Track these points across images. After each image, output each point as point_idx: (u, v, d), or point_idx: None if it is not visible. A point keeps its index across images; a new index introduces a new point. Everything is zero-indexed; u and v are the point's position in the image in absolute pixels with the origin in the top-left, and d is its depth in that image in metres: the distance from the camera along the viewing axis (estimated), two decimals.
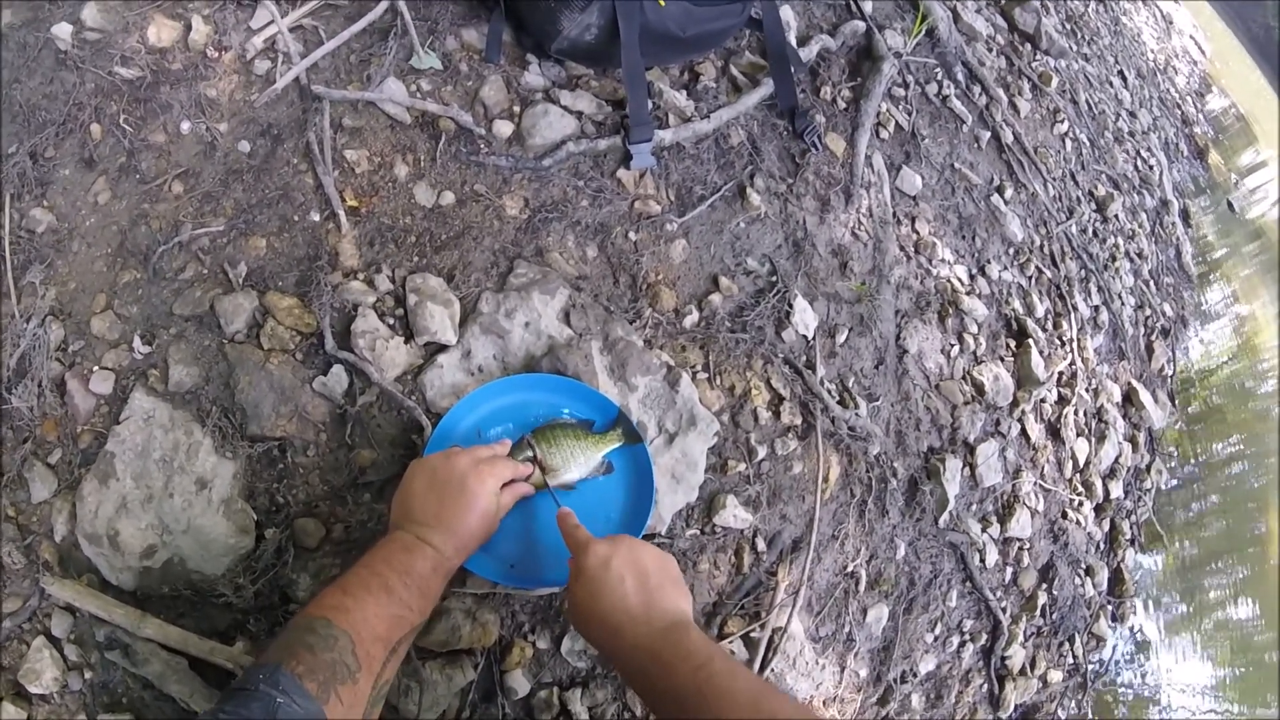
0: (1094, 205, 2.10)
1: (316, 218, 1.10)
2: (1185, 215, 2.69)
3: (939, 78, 1.76)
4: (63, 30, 1.14)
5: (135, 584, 0.94)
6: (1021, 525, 1.48)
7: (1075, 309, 1.79)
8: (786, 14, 1.50)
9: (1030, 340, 1.60)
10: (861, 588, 1.24)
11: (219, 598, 0.93)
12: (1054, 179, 1.95)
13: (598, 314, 1.13)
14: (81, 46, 1.14)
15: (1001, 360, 1.57)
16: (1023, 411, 1.54)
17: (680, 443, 1.09)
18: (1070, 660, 1.60)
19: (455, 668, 0.95)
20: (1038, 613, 1.52)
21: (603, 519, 0.99)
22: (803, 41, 1.52)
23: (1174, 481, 2.07)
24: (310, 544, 0.96)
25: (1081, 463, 1.67)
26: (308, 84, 1.16)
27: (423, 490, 0.85)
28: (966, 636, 1.41)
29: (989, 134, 1.80)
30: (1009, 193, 1.78)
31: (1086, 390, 1.74)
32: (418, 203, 1.15)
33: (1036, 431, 1.58)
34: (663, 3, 1.21)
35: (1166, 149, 2.85)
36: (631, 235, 1.23)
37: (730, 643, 1.08)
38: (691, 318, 1.21)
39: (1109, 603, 1.72)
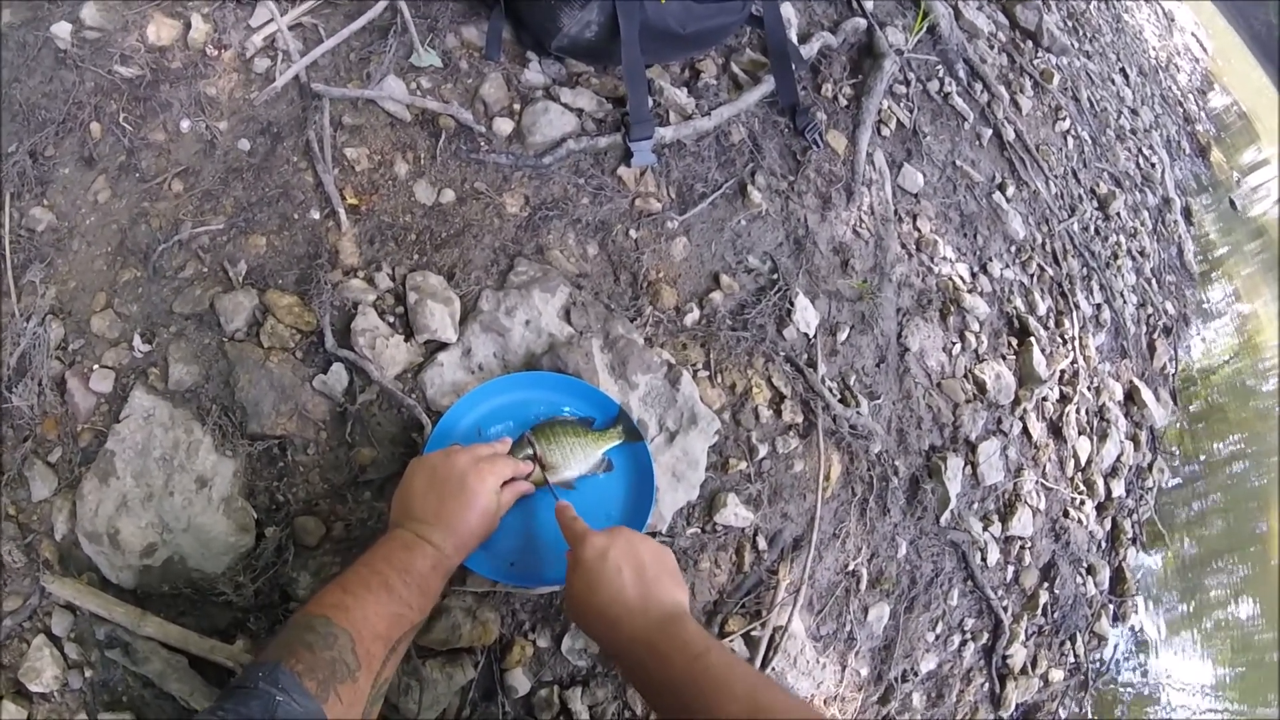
0: (1096, 203, 2.09)
1: (316, 216, 1.10)
2: (1187, 213, 2.69)
3: (940, 75, 1.76)
4: (62, 29, 1.14)
5: (135, 582, 0.94)
6: (1023, 524, 1.48)
7: (1077, 307, 1.78)
8: (787, 11, 1.50)
9: (1032, 338, 1.60)
10: (863, 586, 1.24)
11: (219, 596, 0.93)
12: (1056, 177, 1.95)
13: (598, 312, 1.13)
14: (81, 45, 1.14)
15: (1003, 358, 1.57)
16: (1024, 410, 1.54)
17: (681, 441, 1.09)
18: (1071, 659, 1.60)
19: (455, 666, 0.95)
20: (1039, 611, 1.51)
21: (603, 517, 0.99)
22: (804, 39, 1.52)
23: (1176, 480, 2.06)
24: (310, 542, 0.96)
25: (1083, 461, 1.67)
26: (307, 82, 1.15)
27: (423, 488, 0.85)
28: (968, 635, 1.40)
29: (990, 131, 1.80)
30: (1011, 190, 1.78)
31: (1088, 388, 1.74)
32: (418, 200, 1.15)
33: (1038, 430, 1.57)
34: (663, 0, 1.21)
35: (1168, 147, 2.84)
36: (632, 233, 1.22)
37: (731, 641, 1.08)
38: (692, 315, 1.20)
39: (1110, 602, 1.72)
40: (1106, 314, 1.89)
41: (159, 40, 1.15)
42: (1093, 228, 2.02)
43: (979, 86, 1.84)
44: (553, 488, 0.95)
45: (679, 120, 1.30)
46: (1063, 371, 1.67)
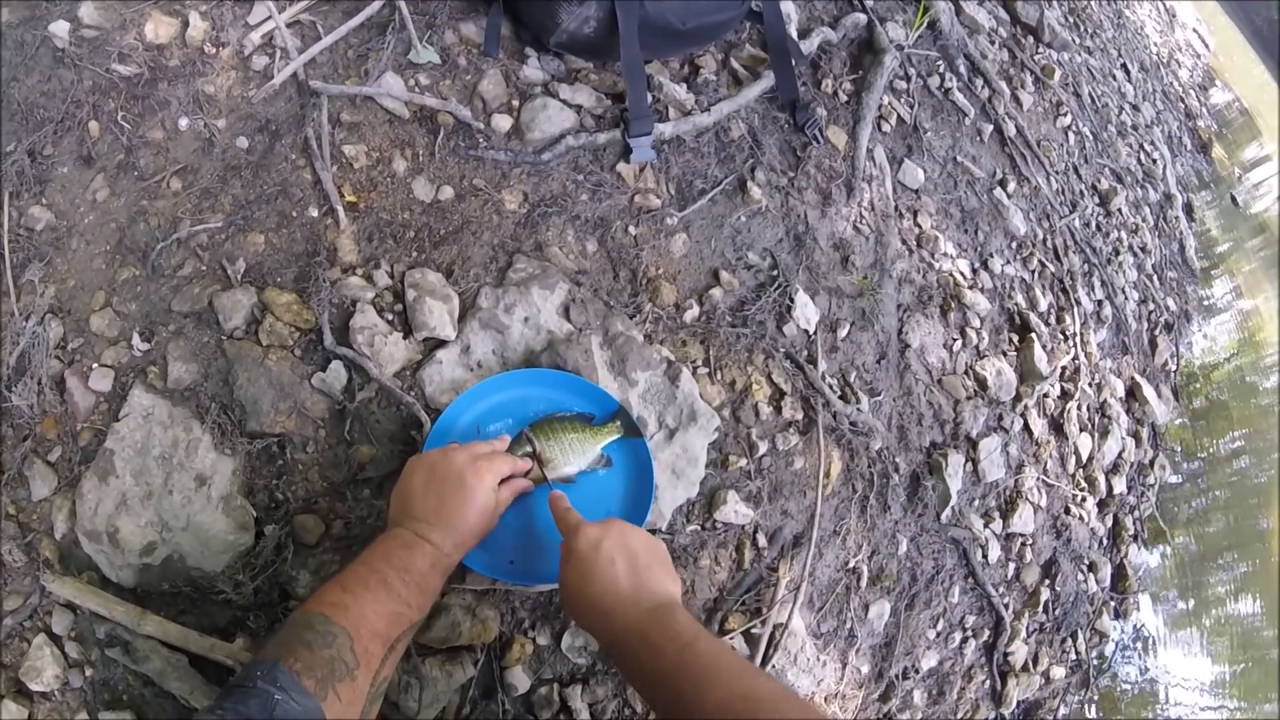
0: (1097, 199, 2.08)
1: (315, 213, 1.10)
2: (1189, 209, 2.68)
3: (941, 70, 1.75)
4: (60, 28, 1.14)
5: (135, 581, 0.94)
6: (1024, 521, 1.47)
7: (1078, 303, 1.78)
8: (787, 6, 1.49)
9: (1033, 335, 1.59)
10: (863, 584, 1.23)
11: (219, 594, 0.93)
12: (1057, 172, 1.94)
13: (597, 309, 1.13)
14: (79, 44, 1.14)
15: (1004, 355, 1.57)
16: (1025, 406, 1.54)
17: (681, 438, 1.09)
18: (1073, 656, 1.60)
19: (455, 664, 0.94)
20: (1040, 609, 1.51)
21: (603, 514, 0.98)
22: (803, 34, 1.51)
23: (1177, 477, 2.06)
24: (310, 540, 0.96)
25: (1084, 458, 1.67)
26: (305, 79, 1.15)
27: (421, 487, 0.85)
28: (969, 632, 1.40)
29: (991, 127, 1.79)
30: (1012, 186, 1.77)
31: (1089, 385, 1.73)
32: (416, 198, 1.14)
33: (1039, 426, 1.57)
34: None
35: (1170, 143, 2.83)
36: (631, 229, 1.22)
37: (731, 639, 1.08)
38: (692, 312, 1.20)
39: (1112, 599, 1.72)
40: (1108, 310, 1.88)
41: (157, 38, 1.15)
42: (1094, 224, 2.01)
43: (980, 82, 1.84)
44: (552, 484, 0.95)
45: (678, 116, 1.30)
46: (1064, 368, 1.67)
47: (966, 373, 1.48)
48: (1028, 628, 1.49)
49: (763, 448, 1.16)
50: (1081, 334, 1.74)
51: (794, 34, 1.47)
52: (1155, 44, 3.42)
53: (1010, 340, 1.60)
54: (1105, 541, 1.73)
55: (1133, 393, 1.89)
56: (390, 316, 1.06)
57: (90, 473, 0.96)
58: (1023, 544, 1.50)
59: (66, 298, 1.04)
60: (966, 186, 1.68)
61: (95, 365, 1.00)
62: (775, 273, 1.28)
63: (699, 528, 1.10)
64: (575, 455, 0.97)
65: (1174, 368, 2.15)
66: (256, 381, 0.99)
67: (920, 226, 1.55)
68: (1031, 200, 1.83)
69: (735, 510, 1.10)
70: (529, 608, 1.00)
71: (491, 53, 1.25)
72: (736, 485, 1.13)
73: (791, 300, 1.25)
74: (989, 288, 1.60)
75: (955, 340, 1.49)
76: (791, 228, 1.34)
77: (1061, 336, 1.71)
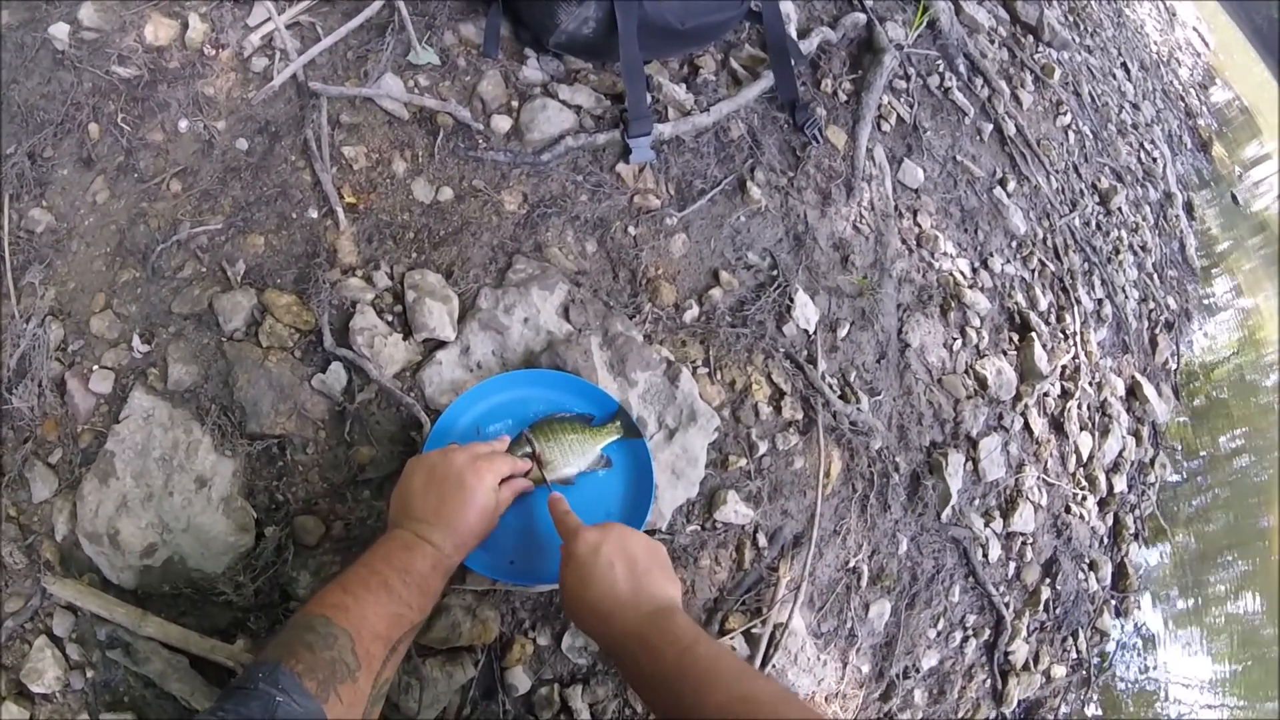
0: (1097, 198, 2.08)
1: (314, 215, 1.10)
2: (1189, 208, 2.68)
3: (941, 70, 1.75)
4: (60, 30, 1.14)
5: (136, 583, 0.94)
6: (1024, 520, 1.47)
7: (1078, 302, 1.78)
8: (786, 6, 1.49)
9: (1033, 334, 1.59)
10: (863, 583, 1.23)
11: (219, 596, 0.93)
12: (1057, 171, 1.94)
13: (597, 309, 1.13)
14: (79, 46, 1.14)
15: (1004, 354, 1.57)
16: (1025, 405, 1.54)
17: (680, 438, 1.09)
18: (1074, 655, 1.60)
19: (456, 665, 0.95)
20: (1041, 608, 1.51)
21: (603, 514, 0.99)
22: (803, 34, 1.51)
23: (1178, 475, 2.06)
24: (310, 541, 0.96)
25: (1085, 457, 1.67)
26: (305, 81, 1.15)
27: (421, 488, 0.85)
28: (969, 632, 1.40)
29: (991, 126, 1.79)
30: (1011, 185, 1.77)
31: (1090, 384, 1.73)
32: (416, 199, 1.14)
33: (1039, 425, 1.57)
34: None
35: (1170, 141, 2.83)
36: (631, 230, 1.22)
37: (731, 639, 1.08)
38: (692, 312, 1.20)
39: (1112, 597, 1.72)
40: (1108, 309, 1.88)
41: (156, 40, 1.15)
42: (1094, 223, 2.01)
43: (979, 81, 1.84)
44: (552, 485, 0.95)
45: (678, 116, 1.30)
46: (1064, 367, 1.67)
47: (966, 372, 1.48)
48: (1028, 627, 1.49)
49: (763, 448, 1.16)
50: (1082, 333, 1.74)
51: (793, 34, 1.47)
52: (1155, 42, 3.42)
53: (1010, 339, 1.60)
54: (1106, 540, 1.73)
55: (1133, 391, 1.89)
56: (390, 318, 1.06)
57: (91, 475, 0.96)
58: (1023, 543, 1.50)
59: (67, 300, 1.04)
60: (966, 186, 1.68)
61: (95, 367, 1.00)
62: (775, 273, 1.28)
63: (699, 528, 1.10)
64: (575, 456, 0.97)
65: (1174, 366, 2.14)
66: (256, 383, 0.99)
67: (920, 226, 1.55)
68: (1031, 199, 1.83)
69: (735, 510, 1.10)
70: (529, 608, 1.00)
71: (491, 53, 1.25)
72: (736, 485, 1.13)
73: (791, 300, 1.25)
74: (989, 287, 1.60)
75: (955, 339, 1.49)
76: (791, 227, 1.34)
77: (1062, 335, 1.71)
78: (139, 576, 0.94)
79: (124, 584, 0.94)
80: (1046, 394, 1.61)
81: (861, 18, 1.60)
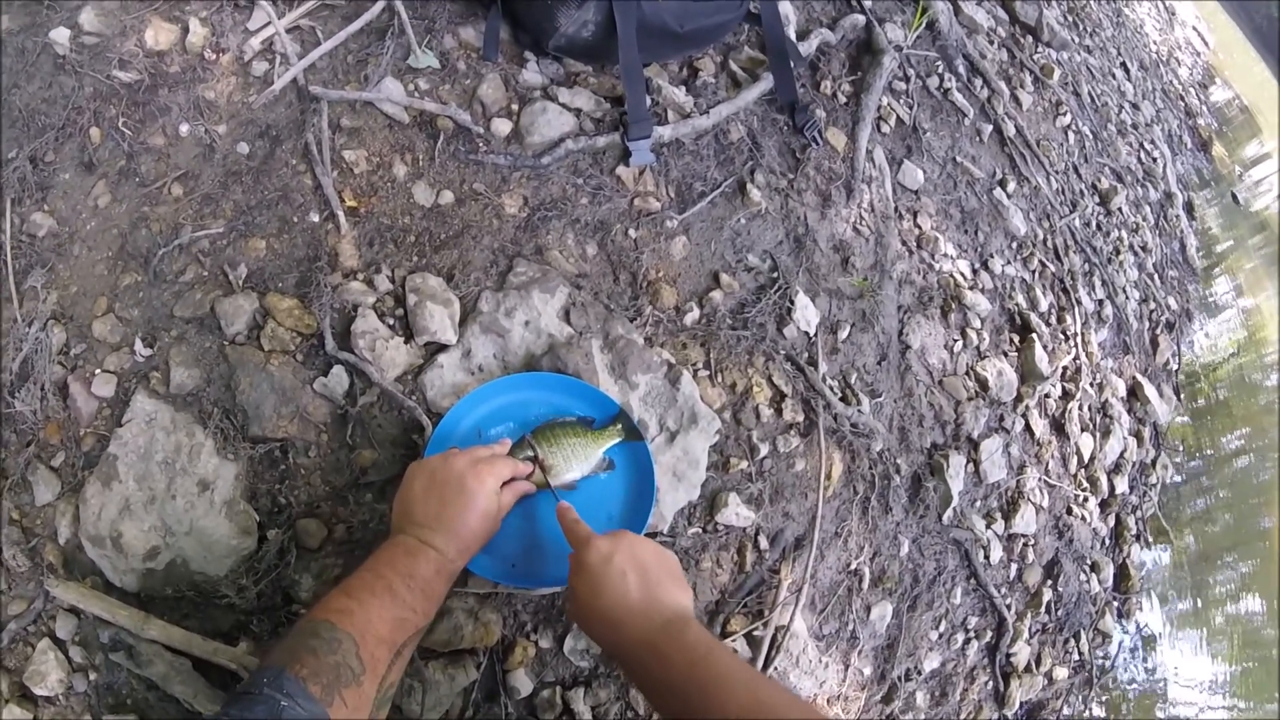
0: (1097, 198, 2.08)
1: (316, 218, 1.10)
2: (1189, 208, 2.68)
3: (940, 71, 1.75)
4: (61, 35, 1.14)
5: (138, 586, 0.94)
6: (1026, 521, 1.47)
7: (1079, 303, 1.78)
8: (785, 8, 1.49)
9: (1034, 335, 1.59)
10: (865, 585, 1.23)
11: (222, 599, 0.93)
12: (1057, 172, 1.94)
13: (598, 312, 1.13)
14: (79, 51, 1.14)
15: (1005, 355, 1.57)
16: (1027, 407, 1.54)
17: (682, 441, 1.09)
18: (1076, 657, 1.59)
19: (458, 667, 0.95)
20: (1043, 609, 1.51)
21: (604, 517, 0.99)
22: (802, 36, 1.51)
23: (1179, 476, 2.06)
24: (312, 545, 0.96)
25: (1086, 458, 1.67)
26: (305, 85, 1.15)
27: (422, 492, 0.85)
28: (971, 634, 1.40)
29: (991, 127, 1.80)
30: (1011, 186, 1.77)
31: (1091, 385, 1.73)
32: (417, 202, 1.15)
33: (1041, 427, 1.57)
34: None
35: (1170, 141, 2.83)
36: (631, 232, 1.22)
37: (733, 641, 1.08)
38: (692, 315, 1.20)
39: (1114, 599, 1.72)
40: (1109, 310, 1.88)
41: (157, 45, 1.15)
42: (1094, 223, 2.01)
43: (979, 82, 1.84)
44: (554, 490, 0.95)
45: (677, 119, 1.30)
46: (1065, 368, 1.67)
47: (967, 373, 1.48)
48: (1030, 628, 1.49)
49: (764, 450, 1.16)
50: (1082, 334, 1.74)
51: (792, 36, 1.48)
52: (1155, 42, 3.42)
53: (1011, 341, 1.60)
54: (1108, 541, 1.73)
55: (1134, 392, 1.89)
56: (391, 321, 1.06)
57: (93, 478, 0.96)
58: (1025, 545, 1.50)
59: (69, 304, 1.04)
60: (966, 187, 1.68)
61: (98, 371, 1.01)
62: (775, 275, 1.28)
63: (700, 530, 1.10)
64: (577, 460, 0.97)
65: (1175, 367, 2.14)
66: (258, 386, 0.99)
67: (920, 227, 1.55)
68: (1031, 200, 1.83)
69: (736, 512, 1.11)
70: (531, 611, 1.00)
71: (490, 57, 1.25)
72: (738, 487, 1.13)
73: (792, 302, 1.26)
74: (989, 288, 1.60)
75: (956, 341, 1.49)
76: (791, 230, 1.34)
77: (1062, 336, 1.71)
78: (141, 579, 0.94)
79: (127, 587, 0.94)
80: (1047, 395, 1.61)
81: (860, 19, 1.60)
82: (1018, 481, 1.49)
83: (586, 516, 0.89)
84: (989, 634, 1.43)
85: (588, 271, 1.18)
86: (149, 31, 1.15)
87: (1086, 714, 1.62)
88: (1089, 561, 1.64)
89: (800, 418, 1.21)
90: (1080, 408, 1.67)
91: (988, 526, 1.42)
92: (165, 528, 0.94)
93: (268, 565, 0.94)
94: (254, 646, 0.92)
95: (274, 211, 1.09)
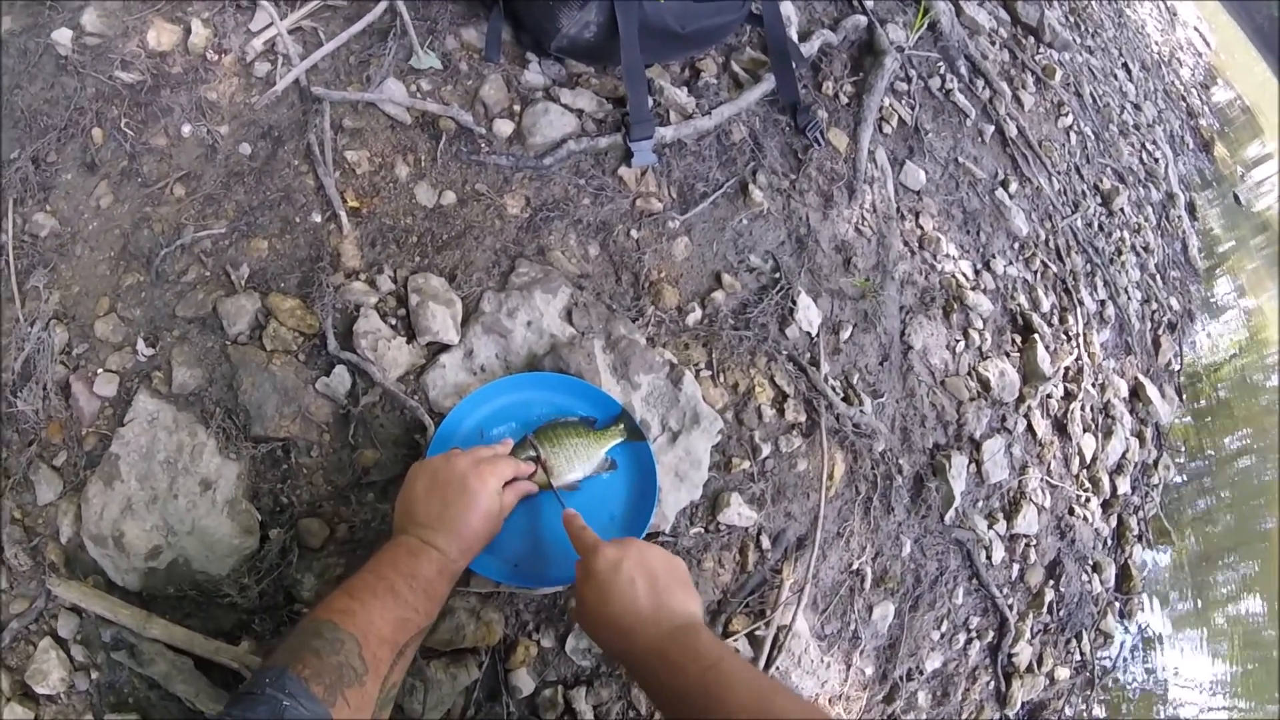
0: (1099, 199, 2.08)
1: (318, 219, 1.10)
2: (1191, 208, 2.68)
3: (942, 72, 1.75)
4: (63, 36, 1.14)
5: (140, 585, 0.94)
6: (1028, 522, 1.47)
7: (1081, 303, 1.78)
8: (787, 9, 1.49)
9: (1036, 335, 1.59)
10: (867, 585, 1.23)
11: (224, 598, 0.93)
12: (1059, 173, 1.94)
13: (600, 312, 1.13)
14: (82, 51, 1.14)
15: (1007, 356, 1.57)
16: (1029, 407, 1.54)
17: (684, 441, 1.09)
18: (1077, 657, 1.59)
19: (460, 667, 0.95)
20: (1045, 610, 1.51)
21: (606, 517, 0.99)
22: (804, 37, 1.51)
23: (1181, 477, 2.06)
24: (314, 544, 0.96)
25: (1088, 458, 1.67)
26: (308, 85, 1.16)
27: (424, 493, 0.85)
28: (973, 634, 1.40)
29: (993, 128, 1.80)
30: (1013, 187, 1.77)
31: (1093, 385, 1.73)
32: (419, 203, 1.15)
33: (1043, 427, 1.57)
34: None
35: (1172, 142, 2.83)
36: (633, 233, 1.22)
37: (735, 640, 1.08)
38: (694, 315, 1.20)
39: (1116, 599, 1.71)
40: (1111, 310, 1.88)
41: (159, 45, 1.16)
42: (1096, 224, 2.01)
43: (981, 83, 1.84)
44: (557, 491, 0.95)
45: (679, 120, 1.30)
46: (1067, 368, 1.67)
47: (969, 374, 1.48)
48: (1032, 629, 1.49)
49: (766, 450, 1.16)
50: (1084, 334, 1.74)
51: (794, 36, 1.48)
52: (1156, 43, 3.42)
53: (1013, 341, 1.60)
54: (1109, 542, 1.73)
55: (1136, 393, 1.89)
56: (393, 321, 1.06)
57: (95, 477, 0.96)
58: (1027, 545, 1.50)
59: (71, 304, 1.04)
60: (968, 187, 1.68)
61: (100, 370, 1.01)
62: (777, 275, 1.28)
63: (702, 530, 1.10)
64: (580, 461, 0.97)
65: (1177, 367, 2.14)
66: (261, 386, 0.99)
67: (922, 228, 1.55)
68: (1033, 201, 1.83)
69: (738, 512, 1.11)
70: (533, 610, 1.00)
71: (492, 58, 1.25)
72: (740, 487, 1.13)
73: (794, 303, 1.26)
74: (991, 289, 1.60)
75: (958, 341, 1.49)
76: (793, 230, 1.34)
77: (1064, 337, 1.71)
78: (143, 578, 0.94)
79: (129, 586, 0.94)
80: (1049, 395, 1.61)
81: (862, 20, 1.60)
82: (1020, 482, 1.49)
83: (588, 516, 0.89)
84: (991, 634, 1.43)
85: (590, 272, 1.18)
86: (151, 32, 1.15)
87: (1088, 714, 1.62)
88: (1091, 562, 1.64)
89: (802, 418, 1.21)
90: (1082, 408, 1.67)
91: (990, 527, 1.42)
92: (167, 527, 0.94)
93: (270, 565, 0.94)
94: (256, 646, 0.92)
95: (276, 212, 1.09)
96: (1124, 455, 1.78)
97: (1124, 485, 1.75)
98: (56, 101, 1.12)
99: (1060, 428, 1.62)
